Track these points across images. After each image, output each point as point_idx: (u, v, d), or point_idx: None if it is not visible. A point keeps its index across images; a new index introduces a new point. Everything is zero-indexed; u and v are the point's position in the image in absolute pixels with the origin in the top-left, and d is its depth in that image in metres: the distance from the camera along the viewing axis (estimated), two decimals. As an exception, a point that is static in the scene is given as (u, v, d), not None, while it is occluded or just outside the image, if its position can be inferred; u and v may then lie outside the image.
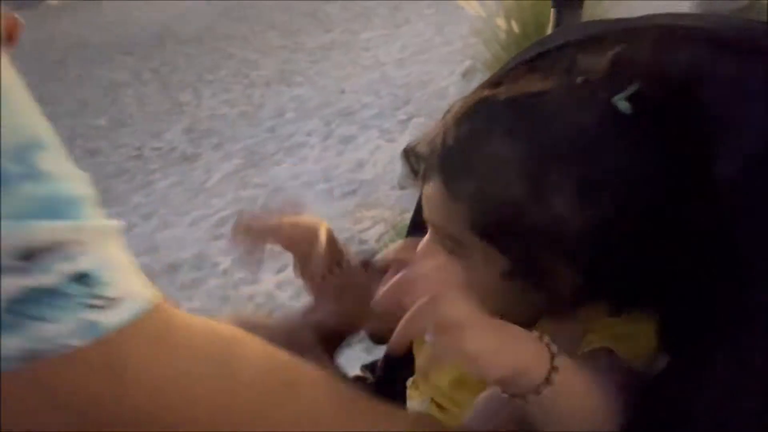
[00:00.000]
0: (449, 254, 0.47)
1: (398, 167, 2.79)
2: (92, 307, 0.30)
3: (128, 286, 0.32)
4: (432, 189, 0.46)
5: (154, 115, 4.32)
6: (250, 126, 3.79)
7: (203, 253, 2.36)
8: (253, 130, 3.69)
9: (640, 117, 0.42)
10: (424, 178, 0.48)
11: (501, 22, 2.64)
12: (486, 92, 0.47)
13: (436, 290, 0.37)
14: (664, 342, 0.45)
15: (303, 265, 0.62)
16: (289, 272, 2.39)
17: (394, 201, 2.46)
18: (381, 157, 2.96)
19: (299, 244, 0.62)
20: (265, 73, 4.87)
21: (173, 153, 3.56)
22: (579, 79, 0.44)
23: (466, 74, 3.05)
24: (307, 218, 0.63)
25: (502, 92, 0.45)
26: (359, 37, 5.59)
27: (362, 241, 2.17)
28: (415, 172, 0.49)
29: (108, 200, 3.01)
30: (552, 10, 0.71)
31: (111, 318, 0.30)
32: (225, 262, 2.25)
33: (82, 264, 0.30)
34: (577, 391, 0.39)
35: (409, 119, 3.35)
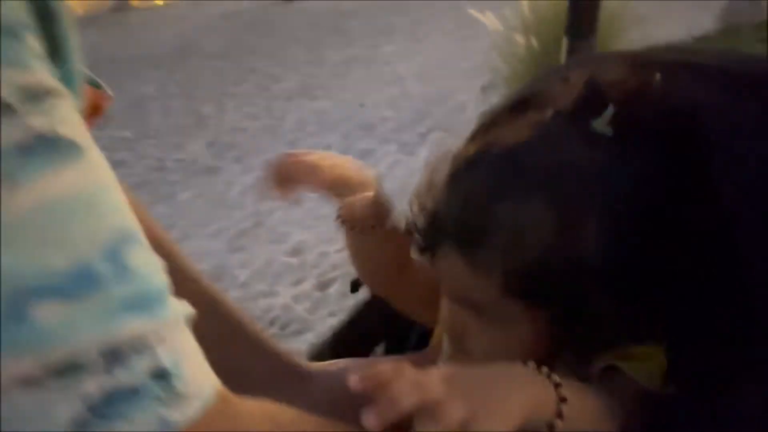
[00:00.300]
0: (477, 318, 0.45)
1: (417, 180, 2.81)
2: (166, 402, 0.30)
3: (197, 377, 0.32)
4: (450, 263, 0.44)
5: (177, 127, 4.38)
6: (272, 139, 3.83)
7: (222, 264, 2.38)
8: (274, 144, 3.73)
9: (626, 138, 0.42)
10: (433, 252, 0.46)
11: (519, 37, 2.65)
12: (473, 149, 0.45)
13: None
14: (671, 365, 0.44)
15: (347, 213, 0.57)
16: (306, 285, 2.40)
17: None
18: (400, 171, 2.98)
19: (341, 188, 0.59)
20: (287, 87, 4.93)
21: (195, 165, 3.61)
22: (550, 113, 0.43)
23: (485, 89, 3.06)
24: (348, 162, 0.60)
25: (493, 146, 0.44)
26: (380, 52, 5.64)
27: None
28: (422, 248, 0.47)
29: (131, 211, 3.06)
30: (564, 38, 0.71)
31: (182, 413, 0.31)
32: (243, 274, 2.28)
33: (162, 359, 0.30)
34: (590, 417, 0.39)
35: (428, 133, 3.37)
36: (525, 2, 2.84)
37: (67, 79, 0.31)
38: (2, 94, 0.27)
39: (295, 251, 2.37)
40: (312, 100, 4.46)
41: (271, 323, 1.94)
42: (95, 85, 0.43)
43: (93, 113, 0.42)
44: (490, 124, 0.48)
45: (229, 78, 5.63)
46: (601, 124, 0.41)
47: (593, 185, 0.41)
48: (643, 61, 0.45)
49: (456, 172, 0.45)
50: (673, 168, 0.42)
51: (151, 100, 5.13)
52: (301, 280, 2.15)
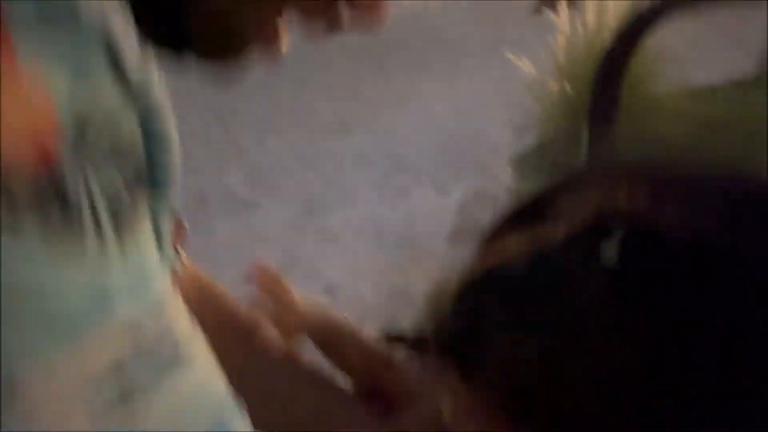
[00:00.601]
0: None
1: (450, 222, 2.84)
2: None
3: None
4: (445, 380, 0.44)
5: (217, 158, 4.50)
6: (308, 174, 3.91)
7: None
8: (310, 178, 3.81)
9: (632, 268, 0.41)
10: (425, 362, 0.47)
11: (552, 84, 2.69)
12: (479, 266, 0.45)
13: None
14: None
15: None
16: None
17: (443, 257, 2.50)
18: (433, 211, 3.02)
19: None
20: (325, 121, 5.02)
21: (234, 198, 3.71)
22: (559, 234, 0.42)
23: (520, 130, 3.09)
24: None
25: (499, 267, 0.44)
26: (418, 87, 5.71)
27: (410, 297, 2.21)
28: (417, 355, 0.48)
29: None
30: (584, 125, 0.72)
31: None
32: (277, 311, 2.33)
33: None
34: None
35: (463, 172, 3.41)
36: (559, 48, 2.88)
37: (160, 211, 0.35)
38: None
39: (329, 290, 2.42)
40: (349, 136, 4.54)
41: (303, 364, 1.98)
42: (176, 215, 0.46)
43: (177, 243, 0.45)
44: (498, 233, 0.47)
45: (268, 109, 5.76)
46: (609, 252, 0.40)
47: (595, 317, 0.41)
48: (662, 182, 0.44)
49: (462, 291, 0.45)
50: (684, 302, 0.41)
51: (192, 130, 5.29)
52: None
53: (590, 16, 2.85)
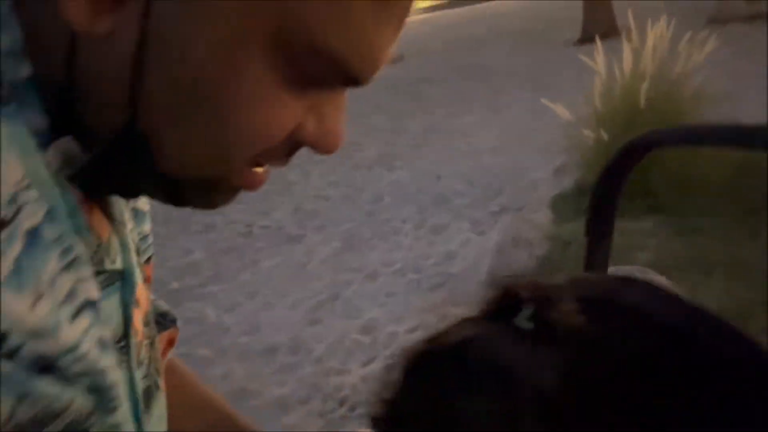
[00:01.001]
0: None
1: (487, 263, 2.91)
2: None
3: None
4: None
5: (264, 193, 4.66)
6: (351, 209, 4.03)
7: (299, 337, 2.55)
8: (353, 213, 3.93)
9: (544, 333, 0.49)
10: None
11: (588, 132, 2.75)
12: (426, 344, 0.54)
13: None
14: None
15: None
16: (376, 365, 2.54)
17: (479, 299, 2.57)
18: (470, 251, 3.09)
19: None
20: (368, 156, 5.16)
21: (280, 232, 3.84)
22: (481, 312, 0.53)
23: (558, 171, 3.15)
24: None
25: (442, 343, 0.53)
26: (458, 121, 5.82)
27: (445, 339, 2.29)
28: None
29: (218, 276, 3.32)
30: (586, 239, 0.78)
31: None
32: (319, 348, 2.44)
33: None
34: None
35: (501, 212, 3.48)
36: (596, 94, 2.95)
37: None
38: None
39: (367, 329, 2.51)
40: (390, 171, 4.66)
41: (341, 403, 2.07)
42: (173, 322, 0.53)
43: (169, 347, 0.52)
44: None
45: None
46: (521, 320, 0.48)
47: (524, 378, 0.50)
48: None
49: (412, 365, 0.54)
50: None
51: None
52: (372, 359, 2.28)
53: (627, 62, 2.91)
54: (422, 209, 3.78)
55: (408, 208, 3.85)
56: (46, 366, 0.28)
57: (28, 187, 0.30)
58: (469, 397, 0.50)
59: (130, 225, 0.42)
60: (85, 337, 0.30)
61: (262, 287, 3.10)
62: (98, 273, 0.35)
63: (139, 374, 0.40)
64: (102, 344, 0.32)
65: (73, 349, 0.29)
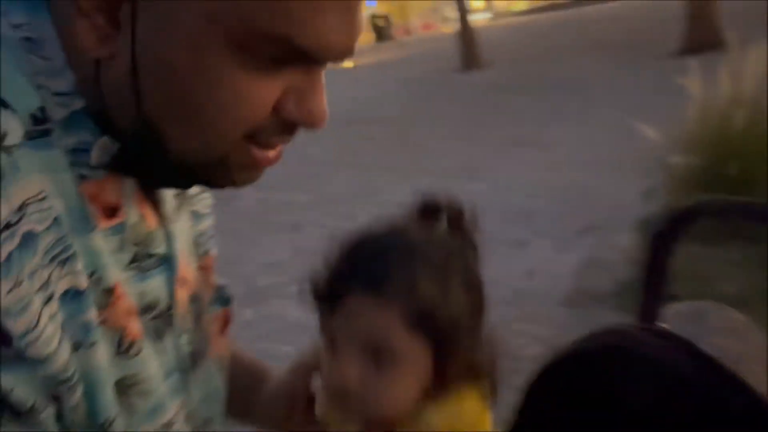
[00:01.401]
0: (376, 369, 0.55)
1: (566, 284, 2.86)
2: None
3: None
4: (357, 306, 0.55)
5: (348, 195, 4.76)
6: (431, 218, 4.06)
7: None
8: (433, 223, 3.95)
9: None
10: (334, 305, 0.57)
11: (677, 158, 2.67)
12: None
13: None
14: None
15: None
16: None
17: (555, 320, 2.54)
18: (550, 270, 3.06)
19: None
20: (450, 164, 5.16)
21: (360, 237, 3.92)
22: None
23: (645, 194, 3.06)
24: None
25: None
26: (545, 134, 5.72)
27: (516, 358, 2.28)
28: (325, 301, 0.58)
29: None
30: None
31: None
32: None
33: None
34: None
35: (585, 231, 3.40)
36: (691, 118, 2.86)
37: None
38: None
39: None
40: (472, 181, 4.65)
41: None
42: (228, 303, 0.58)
43: (225, 327, 0.57)
44: None
45: (397, 149, 6.00)
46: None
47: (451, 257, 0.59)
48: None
49: (362, 238, 0.61)
50: None
51: (325, 166, 5.61)
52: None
53: (725, 85, 2.81)
54: (502, 222, 3.76)
55: (486, 221, 3.80)
56: (3, 341, 0.34)
57: (42, 199, 0.37)
58: (410, 262, 0.56)
59: (188, 224, 0.52)
60: (49, 322, 0.36)
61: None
62: (149, 255, 0.45)
63: (184, 338, 0.48)
64: (84, 326, 0.39)
65: (31, 329, 0.35)
